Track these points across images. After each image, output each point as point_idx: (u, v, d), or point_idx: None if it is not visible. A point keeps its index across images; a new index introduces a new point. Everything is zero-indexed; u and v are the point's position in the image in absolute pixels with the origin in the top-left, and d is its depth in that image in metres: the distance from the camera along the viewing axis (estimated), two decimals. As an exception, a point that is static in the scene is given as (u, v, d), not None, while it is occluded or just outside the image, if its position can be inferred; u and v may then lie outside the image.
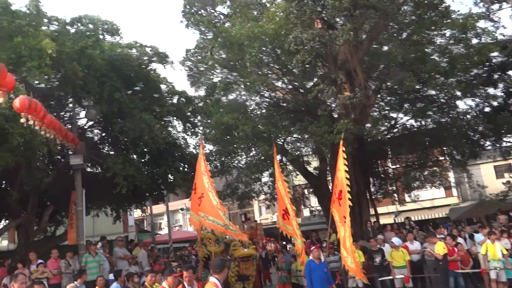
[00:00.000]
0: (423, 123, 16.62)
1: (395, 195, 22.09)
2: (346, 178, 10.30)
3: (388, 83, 13.36)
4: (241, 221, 35.94)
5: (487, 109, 17.22)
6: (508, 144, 18.11)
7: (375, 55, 13.25)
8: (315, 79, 14.18)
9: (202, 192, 11.03)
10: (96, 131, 16.44)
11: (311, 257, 10.22)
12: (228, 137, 13.24)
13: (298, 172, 18.79)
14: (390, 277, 11.71)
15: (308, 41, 11.03)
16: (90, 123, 15.56)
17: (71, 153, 12.76)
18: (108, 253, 12.74)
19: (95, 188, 14.47)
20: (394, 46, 12.57)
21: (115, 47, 13.36)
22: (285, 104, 14.69)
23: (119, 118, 13.14)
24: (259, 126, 12.93)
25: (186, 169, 15.40)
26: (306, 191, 21.94)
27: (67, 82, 11.55)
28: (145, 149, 14.22)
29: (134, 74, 13.81)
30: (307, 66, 11.83)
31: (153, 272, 10.42)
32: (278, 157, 15.13)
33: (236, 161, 16.71)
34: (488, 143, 18.63)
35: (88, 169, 16.57)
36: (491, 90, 16.73)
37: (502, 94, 17.34)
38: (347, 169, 10.41)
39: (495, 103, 17.23)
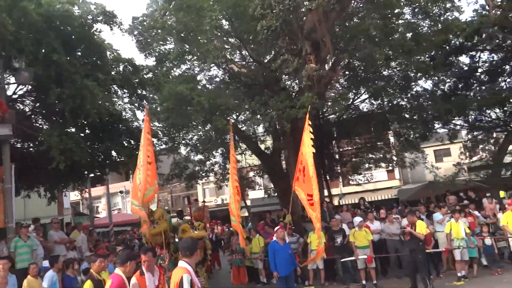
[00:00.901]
0: (380, 103, 16.43)
1: (341, 176, 21.99)
2: (313, 153, 9.64)
3: (351, 59, 12.77)
4: (184, 203, 34.75)
5: (439, 92, 17.43)
6: (457, 127, 18.52)
7: (343, 27, 12.57)
8: (276, 50, 13.21)
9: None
10: (27, 101, 14.54)
11: (274, 238, 9.49)
12: (182, 108, 12.01)
13: (250, 151, 18.01)
14: (353, 258, 11.32)
15: (277, 3, 10.09)
16: (20, 91, 13.70)
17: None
18: (42, 237, 11.19)
19: (26, 165, 12.80)
20: (367, 16, 11.95)
21: (54, 2, 11.57)
22: (242, 78, 13.68)
23: (56, 84, 11.48)
24: (215, 99, 11.85)
25: (132, 146, 13.99)
26: (257, 172, 21.14)
27: (-6, 37, 9.80)
28: (86, 121, 12.70)
29: (76, 35, 12.12)
30: (271, 33, 10.90)
31: (99, 257, 9.28)
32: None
33: (189, 137, 15.46)
34: (436, 125, 18.98)
35: (18, 145, 14.73)
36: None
37: (454, 78, 17.60)
38: (312, 144, 9.73)
39: (447, 86, 17.48)
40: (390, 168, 31.74)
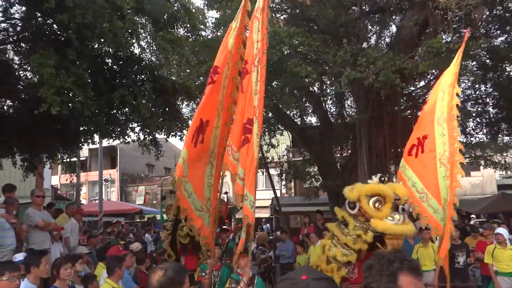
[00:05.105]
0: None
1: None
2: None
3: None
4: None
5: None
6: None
7: None
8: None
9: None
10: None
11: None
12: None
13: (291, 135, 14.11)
14: None
15: None
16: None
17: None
18: (16, 217, 6.92)
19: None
20: None
21: None
22: (317, 20, 9.74)
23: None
24: (292, 36, 7.97)
25: (156, 100, 9.85)
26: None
27: None
28: (96, 53, 8.65)
29: None
30: None
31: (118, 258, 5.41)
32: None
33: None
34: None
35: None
36: None
37: None
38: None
39: None
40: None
